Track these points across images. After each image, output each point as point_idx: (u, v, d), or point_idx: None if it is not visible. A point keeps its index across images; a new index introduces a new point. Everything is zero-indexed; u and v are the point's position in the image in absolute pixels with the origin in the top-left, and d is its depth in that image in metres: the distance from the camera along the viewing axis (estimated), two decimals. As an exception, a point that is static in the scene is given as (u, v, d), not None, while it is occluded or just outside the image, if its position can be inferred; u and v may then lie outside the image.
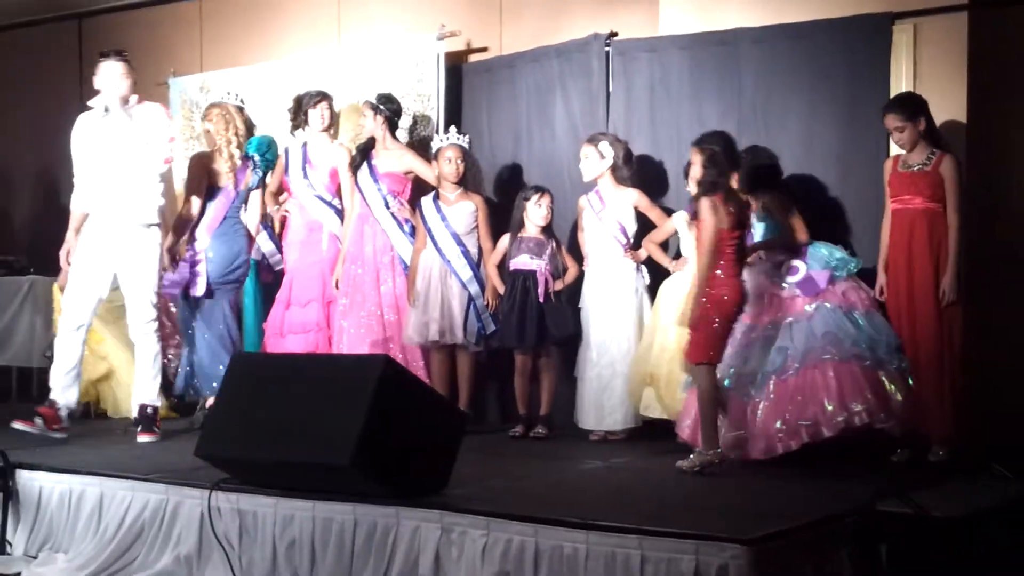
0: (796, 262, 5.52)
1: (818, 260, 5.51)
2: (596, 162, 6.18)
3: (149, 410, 6.02)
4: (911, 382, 5.29)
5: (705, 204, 5.08)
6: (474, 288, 6.40)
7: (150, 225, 5.96)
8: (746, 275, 5.54)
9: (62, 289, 6.91)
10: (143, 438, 5.91)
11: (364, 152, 6.68)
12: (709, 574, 3.50)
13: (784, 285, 5.51)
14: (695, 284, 5.12)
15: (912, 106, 5.48)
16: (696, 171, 5.38)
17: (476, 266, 6.45)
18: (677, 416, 5.64)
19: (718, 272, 5.07)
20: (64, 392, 5.91)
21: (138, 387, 6.05)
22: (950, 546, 3.97)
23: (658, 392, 5.92)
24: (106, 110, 5.89)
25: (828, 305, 5.37)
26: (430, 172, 6.61)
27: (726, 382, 5.39)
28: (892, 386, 5.23)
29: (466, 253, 6.42)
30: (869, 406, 5.14)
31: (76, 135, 6.04)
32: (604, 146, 6.19)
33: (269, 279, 7.13)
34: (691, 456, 5.07)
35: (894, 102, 5.60)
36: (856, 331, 5.31)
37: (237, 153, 6.49)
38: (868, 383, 5.19)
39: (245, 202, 6.45)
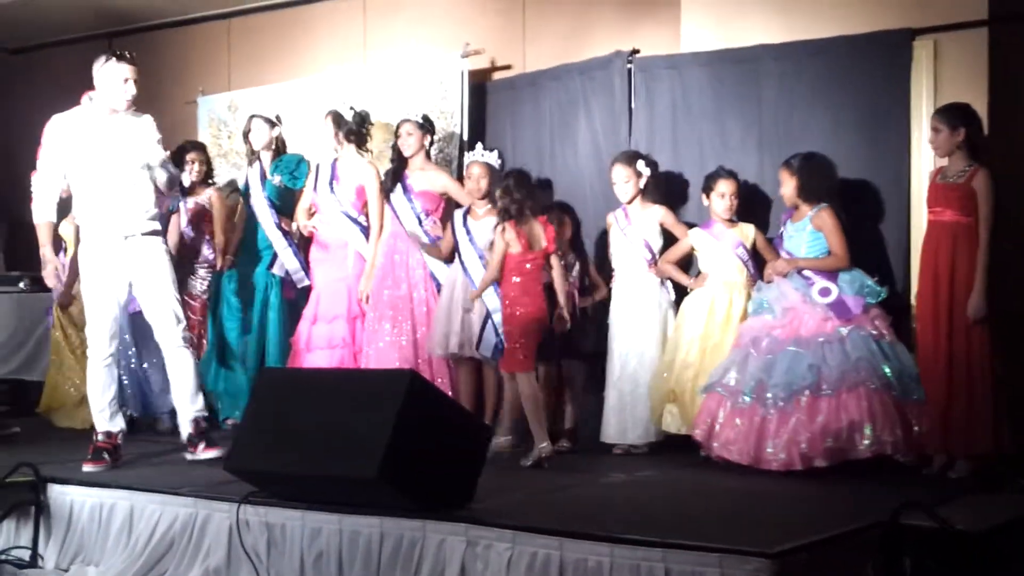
0: (829, 284, 5.54)
1: (849, 285, 5.53)
2: (633, 183, 6.24)
3: (203, 423, 5.83)
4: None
5: (497, 230, 5.82)
6: (492, 303, 6.44)
7: (156, 232, 5.82)
8: (776, 287, 5.62)
9: (63, 308, 7.01)
10: (209, 453, 5.68)
11: (396, 174, 6.74)
12: (733, 587, 3.53)
13: (815, 304, 5.54)
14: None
15: (954, 114, 5.45)
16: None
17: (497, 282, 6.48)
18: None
19: (520, 291, 5.72)
20: (112, 421, 5.71)
21: (185, 402, 5.79)
22: (974, 559, 3.97)
23: (681, 408, 5.97)
24: (112, 112, 5.73)
25: (861, 332, 5.41)
26: (461, 191, 6.67)
27: (746, 390, 5.43)
28: (916, 420, 5.29)
29: (488, 268, 6.47)
30: (897, 439, 5.22)
31: (59, 136, 5.71)
32: (642, 165, 6.26)
33: (292, 296, 7.20)
34: (530, 452, 5.60)
35: (943, 106, 5.61)
36: (886, 360, 5.35)
37: None
38: (899, 415, 5.26)
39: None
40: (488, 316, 6.38)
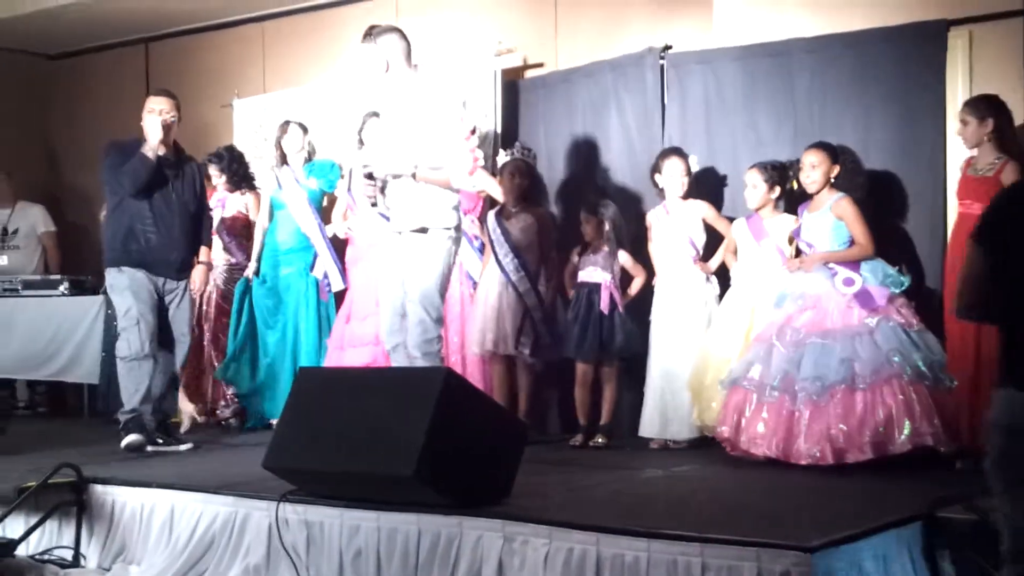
0: (852, 274, 5.50)
1: (874, 274, 5.49)
2: (688, 179, 6.26)
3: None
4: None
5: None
6: (531, 300, 6.45)
7: None
8: (800, 280, 5.58)
9: None
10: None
11: None
12: (771, 581, 3.52)
13: (839, 294, 5.51)
14: None
15: (983, 105, 5.42)
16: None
17: (535, 279, 6.50)
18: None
19: None
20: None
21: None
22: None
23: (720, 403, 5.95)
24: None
25: (890, 322, 5.36)
26: (499, 190, 6.69)
27: (773, 384, 5.41)
28: (949, 407, 5.26)
29: (524, 266, 6.47)
30: (936, 430, 5.17)
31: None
32: (693, 161, 6.28)
33: (325, 298, 7.26)
34: None
35: (971, 98, 5.59)
36: (916, 350, 5.31)
37: None
38: (937, 406, 5.22)
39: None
40: (527, 313, 6.39)
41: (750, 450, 5.47)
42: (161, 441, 6.22)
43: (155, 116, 6.14)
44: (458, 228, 5.58)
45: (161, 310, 6.26)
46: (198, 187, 6.43)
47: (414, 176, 5.44)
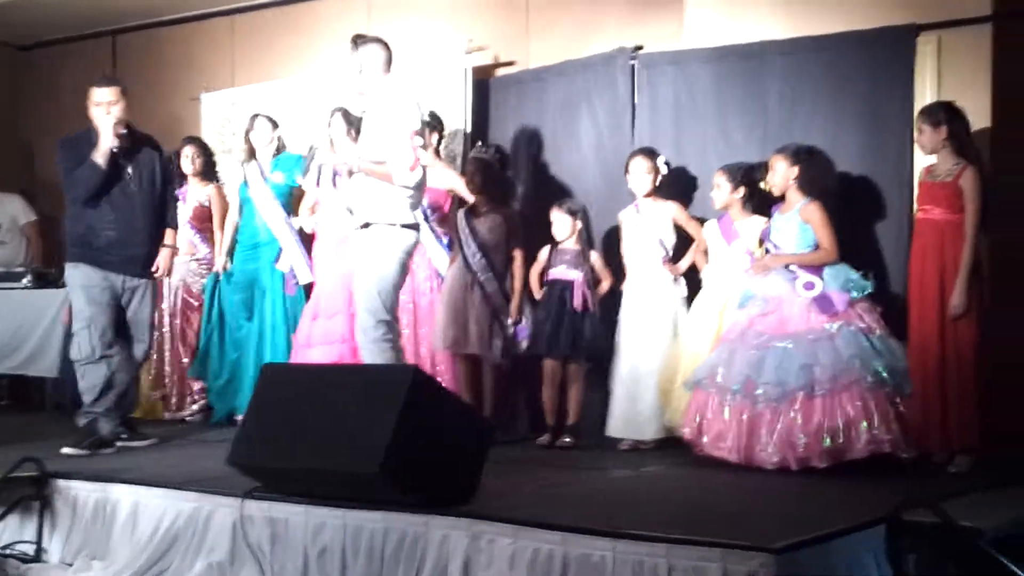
0: (813, 277, 5.50)
1: (834, 279, 5.49)
2: (652, 177, 6.26)
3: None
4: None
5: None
6: (498, 300, 6.44)
7: None
8: (763, 281, 5.60)
9: None
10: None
11: None
12: (736, 582, 3.52)
13: (800, 297, 5.51)
14: None
15: (936, 112, 5.48)
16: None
17: (502, 279, 6.49)
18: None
19: None
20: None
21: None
22: (978, 556, 3.97)
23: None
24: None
25: (851, 327, 5.37)
26: (466, 188, 6.68)
27: (734, 387, 5.43)
28: (908, 414, 5.29)
29: (491, 265, 6.46)
30: (895, 436, 5.20)
31: None
32: (661, 161, 6.29)
33: (292, 292, 7.22)
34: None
35: (926, 106, 5.63)
36: (877, 356, 5.32)
37: None
38: (894, 412, 5.25)
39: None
40: (495, 314, 6.38)
41: (712, 453, 5.49)
42: (125, 437, 6.16)
43: (104, 114, 5.91)
44: (411, 225, 5.56)
45: (120, 308, 6.12)
46: (157, 172, 6.20)
47: (354, 170, 5.53)
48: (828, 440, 5.20)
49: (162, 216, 6.24)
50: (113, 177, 6.00)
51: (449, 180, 6.80)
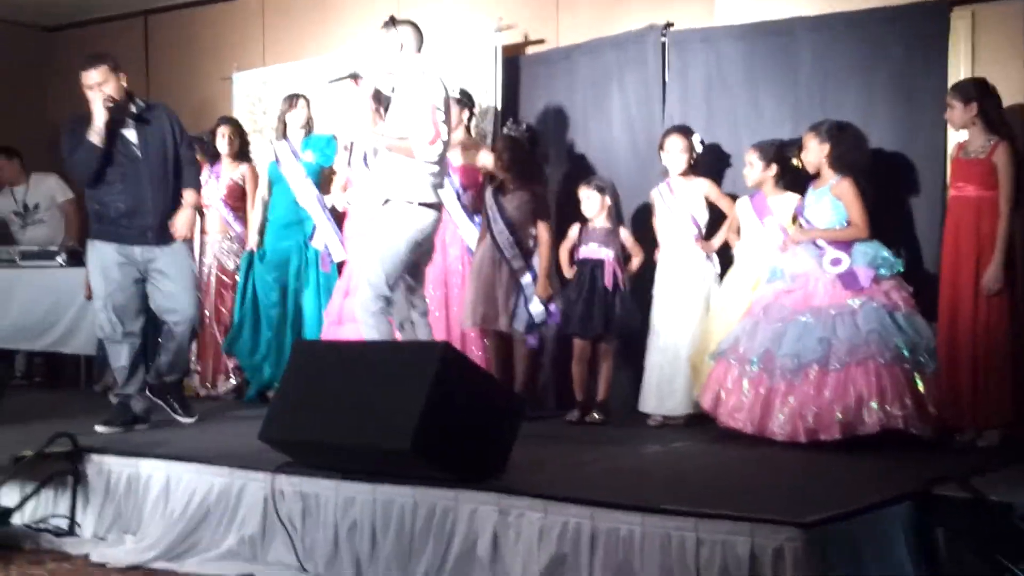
0: (840, 253, 5.49)
1: (863, 256, 5.47)
2: (688, 156, 6.25)
3: None
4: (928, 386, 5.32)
5: None
6: (525, 278, 6.44)
7: None
8: (791, 257, 5.58)
9: None
10: None
11: None
12: (765, 557, 3.52)
13: (827, 273, 5.51)
14: None
15: (968, 89, 5.44)
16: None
17: (529, 256, 6.48)
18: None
19: None
20: None
21: None
22: (1008, 531, 3.96)
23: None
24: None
25: (874, 303, 5.36)
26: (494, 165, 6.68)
27: (753, 359, 5.42)
28: (927, 392, 5.26)
29: (519, 242, 6.45)
30: (907, 412, 5.18)
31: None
32: (696, 139, 6.28)
33: (327, 269, 7.26)
34: None
35: (957, 83, 5.59)
36: (898, 332, 5.30)
37: None
38: (908, 388, 5.22)
39: None
40: (521, 291, 6.38)
41: (728, 423, 5.51)
42: (176, 408, 6.19)
43: (96, 95, 5.84)
44: (431, 204, 5.56)
45: (144, 283, 6.04)
46: (168, 134, 6.04)
47: (377, 146, 5.60)
48: (840, 414, 5.19)
49: (176, 179, 6.07)
50: (116, 151, 5.92)
51: (483, 159, 6.80)
